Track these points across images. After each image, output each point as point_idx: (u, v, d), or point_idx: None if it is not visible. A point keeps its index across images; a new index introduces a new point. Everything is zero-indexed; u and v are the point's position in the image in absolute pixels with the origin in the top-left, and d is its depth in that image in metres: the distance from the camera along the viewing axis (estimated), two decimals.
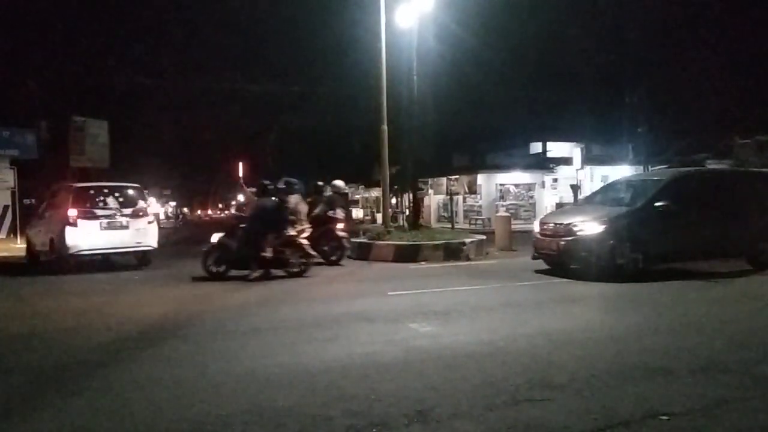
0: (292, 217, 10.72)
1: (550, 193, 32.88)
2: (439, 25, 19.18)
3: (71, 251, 11.65)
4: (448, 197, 29.66)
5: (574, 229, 9.82)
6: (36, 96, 25.29)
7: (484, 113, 33.36)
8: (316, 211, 12.59)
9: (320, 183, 13.49)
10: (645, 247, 9.56)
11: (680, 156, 32.23)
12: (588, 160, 30.61)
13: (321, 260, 12.00)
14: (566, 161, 31.10)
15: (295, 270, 10.37)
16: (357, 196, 42.01)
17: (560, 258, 9.98)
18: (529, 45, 30.31)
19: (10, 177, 19.62)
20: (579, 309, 7.23)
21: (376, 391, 4.14)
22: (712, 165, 32.31)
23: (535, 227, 11.01)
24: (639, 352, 5.12)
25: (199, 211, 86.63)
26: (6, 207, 20.43)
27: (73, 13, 25.70)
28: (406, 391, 4.13)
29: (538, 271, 10.44)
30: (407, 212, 21.54)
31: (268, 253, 10.07)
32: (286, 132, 40.93)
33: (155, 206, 30.75)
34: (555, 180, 32.73)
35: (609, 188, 12.07)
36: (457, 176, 32.49)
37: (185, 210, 67.03)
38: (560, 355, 5.05)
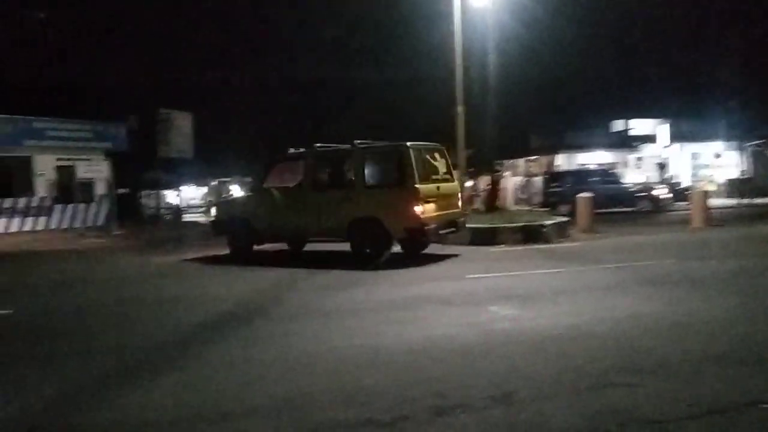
0: None
1: (634, 172, 31.61)
2: (514, 1, 18.68)
3: None
4: (526, 179, 29.00)
5: None
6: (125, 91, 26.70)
7: (563, 91, 32.33)
8: None
9: None
10: None
11: None
12: (676, 137, 29.14)
13: None
14: (651, 139, 29.75)
15: None
16: None
17: None
18: (608, 18, 29.02)
19: (105, 168, 20.85)
20: (667, 292, 6.90)
21: (458, 373, 4.15)
22: None
23: None
24: (733, 336, 4.87)
25: None
26: (102, 197, 21.77)
27: (164, 15, 26.88)
28: (489, 374, 4.11)
29: (622, 254, 10.07)
30: (483, 194, 21.22)
31: None
32: (356, 118, 41.25)
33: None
34: (639, 159, 31.38)
35: None
36: (535, 157, 31.70)
37: None
38: (648, 338, 4.87)
